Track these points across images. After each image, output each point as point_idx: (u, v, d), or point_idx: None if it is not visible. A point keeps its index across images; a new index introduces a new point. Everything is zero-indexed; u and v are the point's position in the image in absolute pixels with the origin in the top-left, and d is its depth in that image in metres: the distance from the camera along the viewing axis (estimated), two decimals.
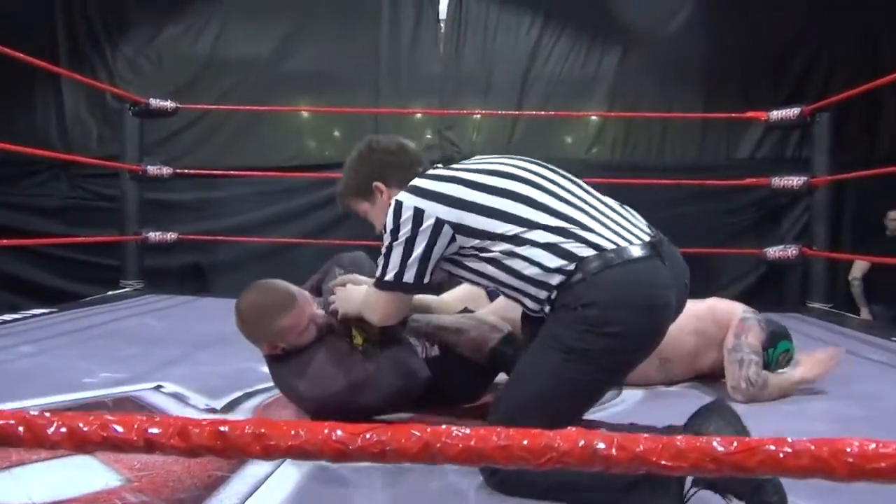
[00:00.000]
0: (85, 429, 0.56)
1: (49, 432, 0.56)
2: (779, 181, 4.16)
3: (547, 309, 1.41)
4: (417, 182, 1.50)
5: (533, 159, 1.59)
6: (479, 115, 5.22)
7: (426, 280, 1.47)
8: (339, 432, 0.56)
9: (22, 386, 2.08)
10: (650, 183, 4.56)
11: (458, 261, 1.48)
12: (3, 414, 0.58)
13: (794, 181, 4.13)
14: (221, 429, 0.56)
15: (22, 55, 3.15)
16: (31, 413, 0.58)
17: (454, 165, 1.60)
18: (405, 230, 1.43)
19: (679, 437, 0.55)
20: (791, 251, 4.16)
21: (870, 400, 2.12)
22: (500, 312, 1.95)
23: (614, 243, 1.37)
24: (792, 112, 4.09)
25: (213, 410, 1.91)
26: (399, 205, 1.45)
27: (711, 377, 2.22)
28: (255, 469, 1.42)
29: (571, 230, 1.38)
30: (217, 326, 2.72)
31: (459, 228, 1.42)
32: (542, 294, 1.39)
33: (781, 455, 0.54)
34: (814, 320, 3.71)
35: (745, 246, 4.73)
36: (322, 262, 2.07)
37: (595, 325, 1.33)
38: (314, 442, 0.56)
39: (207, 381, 2.17)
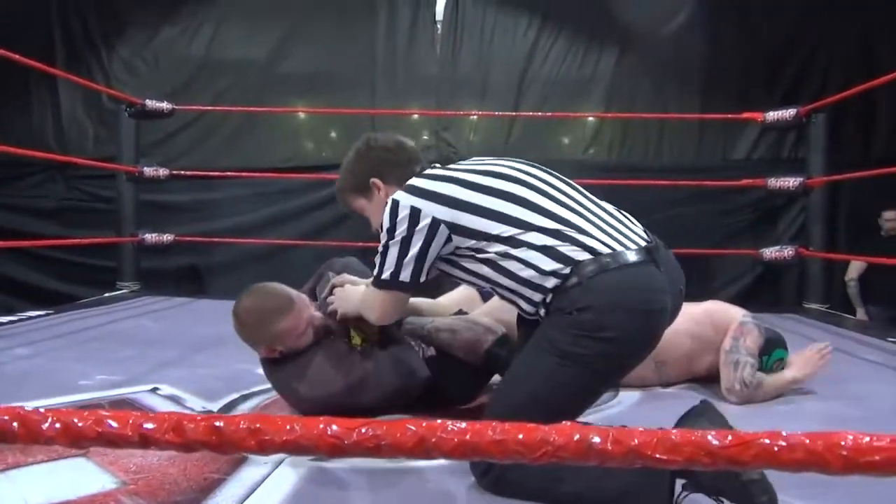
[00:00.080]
0: (80, 424, 0.56)
1: (44, 428, 0.56)
2: (775, 182, 4.17)
3: (542, 312, 1.41)
4: (414, 181, 1.50)
5: (530, 162, 1.60)
6: (475, 116, 5.21)
7: (423, 279, 1.47)
8: (334, 427, 0.56)
9: (18, 388, 2.08)
10: (647, 184, 4.58)
11: (455, 261, 1.48)
12: None
13: (791, 182, 4.13)
14: (216, 424, 0.56)
15: (18, 56, 3.14)
16: (26, 409, 0.58)
17: (451, 166, 1.60)
18: (401, 229, 1.43)
19: (674, 430, 0.55)
20: (787, 252, 4.16)
21: (865, 400, 2.12)
22: (494, 314, 1.94)
23: (610, 247, 1.37)
24: (788, 113, 4.09)
25: (209, 413, 1.91)
26: (396, 204, 1.45)
27: (708, 380, 2.21)
28: (252, 471, 1.42)
29: (567, 233, 1.38)
30: (214, 328, 2.71)
31: (456, 228, 1.42)
32: (538, 297, 1.40)
33: (776, 449, 0.54)
34: (810, 321, 3.71)
35: (742, 247, 4.73)
36: (319, 263, 2.08)
37: (590, 330, 1.33)
38: (309, 437, 0.55)
39: (204, 383, 2.16)
